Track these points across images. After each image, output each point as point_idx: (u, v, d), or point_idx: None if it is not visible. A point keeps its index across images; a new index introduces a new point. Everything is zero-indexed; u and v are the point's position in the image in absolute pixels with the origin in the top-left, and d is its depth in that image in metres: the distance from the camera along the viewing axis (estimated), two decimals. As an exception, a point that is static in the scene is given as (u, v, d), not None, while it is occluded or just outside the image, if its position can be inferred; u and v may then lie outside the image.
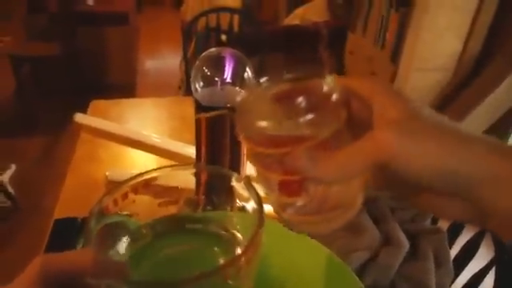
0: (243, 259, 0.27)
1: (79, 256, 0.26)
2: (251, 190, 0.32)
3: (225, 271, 0.26)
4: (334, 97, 0.27)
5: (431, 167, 0.24)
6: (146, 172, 0.34)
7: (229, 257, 0.33)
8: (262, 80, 0.29)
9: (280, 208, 0.29)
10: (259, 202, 0.31)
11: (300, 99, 0.26)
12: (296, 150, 0.26)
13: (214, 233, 0.36)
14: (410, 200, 0.28)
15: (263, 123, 0.27)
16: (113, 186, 0.33)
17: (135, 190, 0.34)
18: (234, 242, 0.34)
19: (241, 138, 0.29)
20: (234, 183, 0.35)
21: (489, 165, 0.24)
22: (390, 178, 0.26)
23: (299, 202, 0.28)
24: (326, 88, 0.27)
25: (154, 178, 0.35)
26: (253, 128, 0.28)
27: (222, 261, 0.33)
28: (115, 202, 0.32)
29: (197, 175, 0.37)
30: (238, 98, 0.30)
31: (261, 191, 0.32)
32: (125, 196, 0.33)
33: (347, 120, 0.28)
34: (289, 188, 0.28)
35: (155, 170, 0.35)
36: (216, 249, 0.35)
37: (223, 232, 0.35)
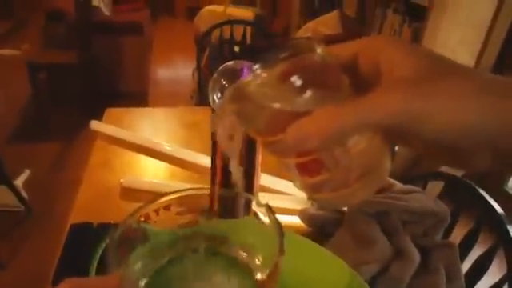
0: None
1: (105, 282, 0.27)
2: (272, 217, 0.32)
3: None
4: (330, 66, 0.27)
5: (447, 126, 0.22)
6: (167, 194, 0.35)
7: (247, 279, 0.34)
8: (255, 67, 0.27)
9: (309, 190, 0.29)
10: (280, 229, 0.31)
11: (296, 77, 0.25)
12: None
13: (232, 253, 0.36)
14: (429, 156, 0.26)
15: (269, 108, 0.26)
16: (133, 194, 0.33)
17: (157, 210, 0.35)
18: (250, 263, 0.35)
19: (248, 130, 0.28)
20: (254, 207, 0.35)
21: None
22: (407, 137, 0.24)
23: (323, 179, 0.27)
24: (319, 59, 0.26)
25: (176, 199, 0.35)
26: (257, 116, 0.27)
27: (238, 285, 0.34)
28: (138, 221, 0.33)
29: (211, 195, 0.37)
30: (230, 90, 0.29)
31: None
32: (147, 216, 0.34)
33: (356, 84, 0.26)
34: (307, 168, 0.27)
35: (176, 192, 0.35)
36: (235, 271, 0.35)
37: (241, 253, 0.36)
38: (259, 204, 0.34)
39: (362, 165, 0.27)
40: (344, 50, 0.28)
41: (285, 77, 0.26)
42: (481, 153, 0.23)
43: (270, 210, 0.33)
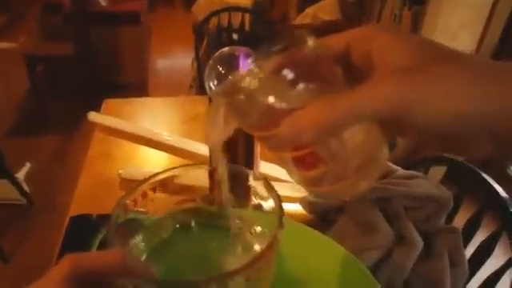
0: (264, 260, 0.28)
1: (107, 256, 0.27)
2: (271, 190, 0.32)
3: (246, 272, 0.27)
4: (323, 58, 0.26)
5: (439, 112, 0.22)
6: (164, 171, 0.35)
7: (246, 254, 0.34)
8: (249, 61, 0.27)
9: (307, 185, 0.28)
10: (279, 202, 0.31)
11: (289, 70, 0.25)
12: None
13: (230, 229, 0.36)
14: (426, 144, 0.26)
15: (263, 102, 0.25)
16: (133, 184, 0.33)
17: (154, 188, 0.34)
18: (250, 238, 0.35)
19: (242, 125, 0.28)
20: (251, 182, 0.34)
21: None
22: (401, 126, 0.23)
23: (321, 172, 0.27)
24: (311, 52, 0.26)
25: (172, 177, 0.35)
26: (251, 111, 0.27)
27: (238, 258, 0.33)
28: (135, 201, 0.33)
29: (211, 173, 0.37)
30: (223, 88, 0.29)
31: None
32: (144, 194, 0.34)
33: (349, 75, 0.26)
34: (304, 162, 0.27)
35: (173, 168, 0.35)
36: (232, 245, 0.35)
37: (239, 228, 0.36)
38: (257, 178, 0.34)
39: (359, 156, 0.26)
40: (336, 41, 0.27)
41: (277, 70, 0.25)
42: (478, 139, 0.23)
43: (268, 184, 0.33)
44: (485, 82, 0.22)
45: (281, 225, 0.29)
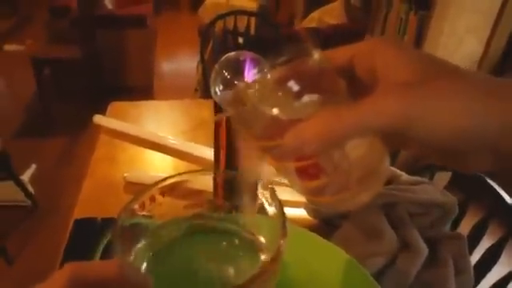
0: (267, 273, 0.28)
1: (107, 266, 0.27)
2: (275, 200, 0.32)
3: (252, 284, 0.27)
4: (327, 70, 0.27)
5: (441, 127, 0.22)
6: (174, 175, 0.35)
7: (250, 261, 0.34)
8: (255, 72, 0.28)
9: (309, 195, 0.29)
10: (282, 212, 0.31)
11: (294, 82, 0.26)
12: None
13: (234, 234, 0.36)
14: (427, 157, 0.26)
15: (267, 113, 0.26)
16: (138, 188, 0.33)
17: (163, 192, 0.34)
18: (253, 244, 0.35)
19: (246, 135, 0.29)
20: (258, 189, 0.34)
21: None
22: (404, 139, 0.24)
23: (323, 183, 0.27)
24: (316, 64, 0.27)
25: (182, 182, 0.35)
26: (255, 121, 0.27)
27: (243, 266, 0.34)
28: (142, 204, 0.33)
29: (215, 180, 0.37)
30: (229, 95, 0.29)
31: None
32: (153, 198, 0.34)
33: (353, 88, 0.27)
34: (306, 173, 0.27)
35: (183, 173, 0.35)
36: (237, 252, 0.35)
37: (243, 234, 0.36)
38: (264, 187, 0.34)
39: (361, 168, 0.27)
40: (340, 55, 0.28)
41: (282, 82, 0.26)
42: (479, 154, 0.23)
43: (275, 194, 0.33)
44: (486, 97, 0.22)
45: (284, 235, 0.30)
